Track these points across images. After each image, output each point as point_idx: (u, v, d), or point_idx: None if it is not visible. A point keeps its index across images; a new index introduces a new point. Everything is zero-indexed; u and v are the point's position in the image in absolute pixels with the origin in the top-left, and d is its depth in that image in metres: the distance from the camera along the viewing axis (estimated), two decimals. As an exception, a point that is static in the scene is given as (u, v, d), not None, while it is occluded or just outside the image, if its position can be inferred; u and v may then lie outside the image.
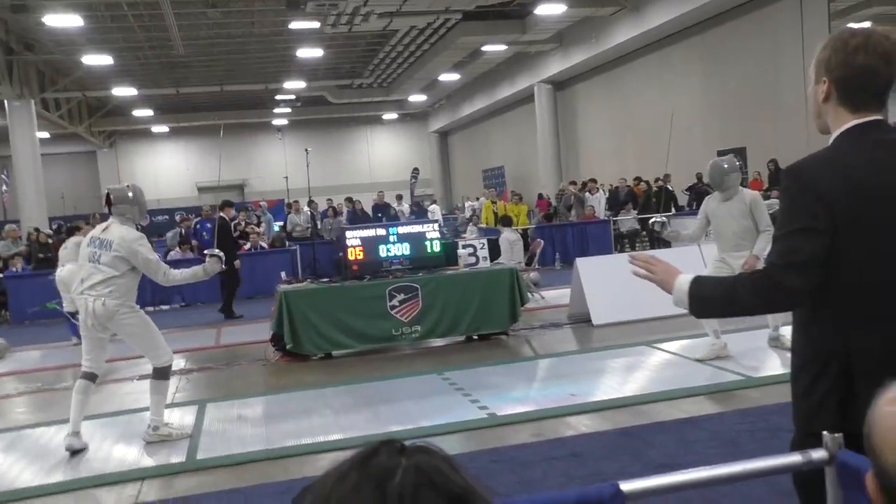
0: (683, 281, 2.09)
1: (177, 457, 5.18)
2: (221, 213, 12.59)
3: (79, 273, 5.51)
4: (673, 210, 17.28)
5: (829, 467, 1.60)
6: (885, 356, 1.80)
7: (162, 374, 5.54)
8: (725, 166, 6.38)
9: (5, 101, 21.83)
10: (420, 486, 0.77)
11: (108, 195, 5.53)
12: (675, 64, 22.55)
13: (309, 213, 16.31)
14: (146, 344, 5.51)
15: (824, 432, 1.66)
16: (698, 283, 2.06)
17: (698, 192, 18.40)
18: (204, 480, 4.74)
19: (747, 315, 2.10)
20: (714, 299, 2.06)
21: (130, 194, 5.48)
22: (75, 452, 5.27)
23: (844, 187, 1.85)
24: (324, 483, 0.82)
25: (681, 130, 22.34)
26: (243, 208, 18.33)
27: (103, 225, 5.51)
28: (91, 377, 5.39)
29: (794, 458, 1.64)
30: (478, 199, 28.36)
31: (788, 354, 6.05)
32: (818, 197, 1.85)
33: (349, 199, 18.67)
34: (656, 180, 18.39)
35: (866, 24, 15.76)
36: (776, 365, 6.19)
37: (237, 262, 12.16)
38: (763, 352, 6.46)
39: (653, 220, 7.01)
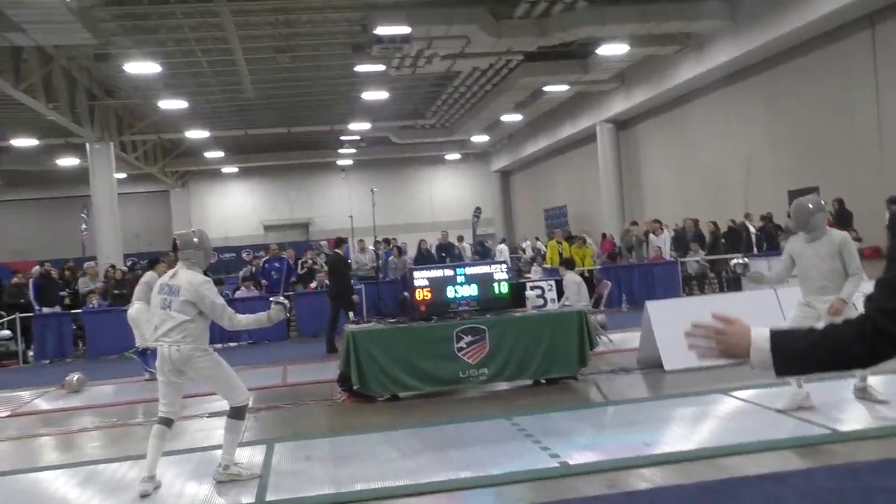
0: (761, 337, 1.85)
1: (247, 497, 5.19)
2: (337, 250, 12.93)
3: (153, 320, 5.63)
4: (743, 251, 16.84)
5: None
6: None
7: (238, 413, 5.60)
8: (811, 206, 6.15)
9: (87, 144, 22.81)
10: None
11: (174, 241, 5.67)
12: (740, 103, 22.21)
13: (374, 252, 16.44)
14: (222, 384, 5.58)
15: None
16: (780, 336, 1.85)
17: (768, 234, 17.95)
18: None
19: (845, 369, 1.89)
20: (804, 352, 1.84)
21: (196, 239, 5.60)
22: (147, 496, 5.33)
23: None
24: None
25: (747, 171, 21.91)
26: (308, 247, 18.59)
27: (171, 271, 5.65)
28: (168, 422, 5.47)
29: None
30: (537, 238, 28.26)
31: (877, 406, 5.77)
32: None
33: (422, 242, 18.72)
34: (731, 222, 17.99)
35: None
36: (864, 418, 5.90)
37: (355, 297, 12.75)
38: (849, 404, 6.17)
39: (734, 261, 6.81)
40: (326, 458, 6.10)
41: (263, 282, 15.87)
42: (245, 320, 5.60)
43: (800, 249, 6.22)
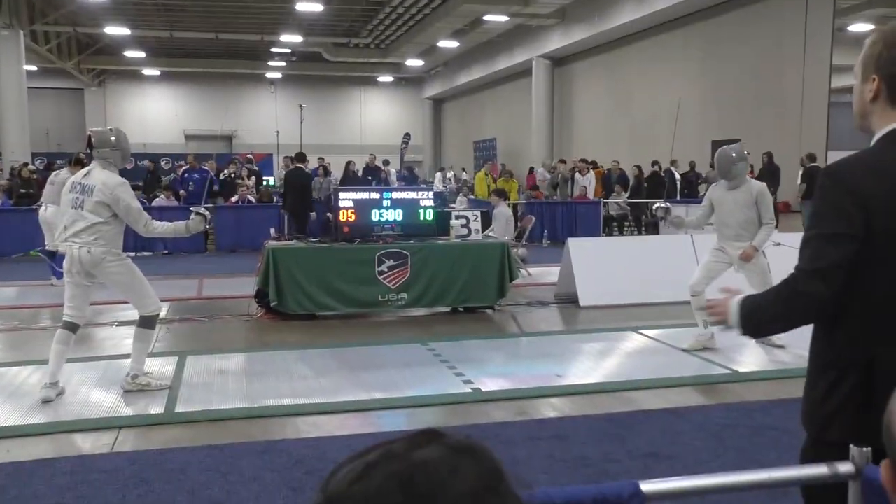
0: (735, 305, 1.96)
1: (155, 407, 5.11)
2: (299, 164, 12.69)
3: (62, 219, 5.35)
4: (665, 197, 17.25)
5: (853, 482, 1.56)
6: None
7: (148, 322, 5.44)
8: (734, 155, 6.32)
9: (-7, 30, 21.29)
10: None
11: (89, 138, 5.34)
12: (675, 50, 22.42)
13: (286, 170, 16.09)
14: (133, 292, 5.40)
15: (852, 446, 1.61)
16: (745, 303, 1.95)
17: (689, 181, 18.42)
18: (182, 434, 4.68)
19: (782, 328, 1.96)
20: (759, 314, 1.94)
21: (113, 138, 5.29)
22: (49, 401, 5.17)
23: (887, 193, 1.78)
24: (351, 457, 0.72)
25: (674, 118, 22.29)
26: (231, 160, 18.06)
27: (85, 170, 5.34)
28: (73, 327, 5.26)
29: (821, 469, 1.59)
30: (463, 169, 28.23)
31: (776, 351, 6.04)
32: (857, 201, 1.77)
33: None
34: (653, 164, 18.36)
35: (869, 26, 15.83)
36: (763, 362, 6.21)
37: (313, 215, 13.00)
38: (750, 347, 6.47)
39: (656, 205, 6.94)
40: (239, 372, 6.05)
41: (181, 192, 15.39)
42: (161, 227, 5.40)
43: (720, 197, 6.40)
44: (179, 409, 5.09)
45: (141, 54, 32.00)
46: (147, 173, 18.19)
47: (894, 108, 1.84)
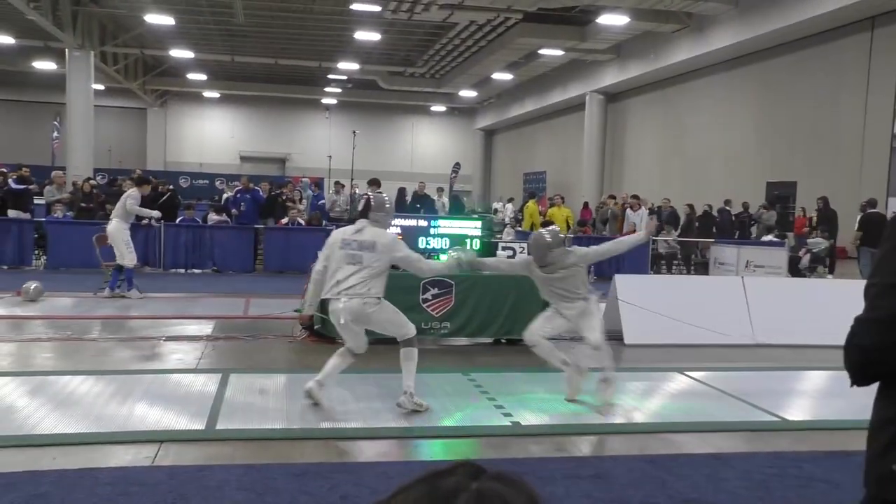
0: None
1: (197, 423, 5.16)
2: (378, 189, 13.09)
3: (336, 274, 5.57)
4: (716, 237, 16.99)
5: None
6: None
7: (410, 342, 5.79)
8: (549, 239, 5.93)
9: (66, 50, 22.15)
10: None
11: (367, 200, 5.80)
12: (731, 90, 22.20)
13: (349, 194, 16.31)
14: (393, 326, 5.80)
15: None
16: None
17: (742, 222, 18.12)
18: (221, 451, 4.72)
19: (853, 380, 1.82)
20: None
21: (388, 206, 5.83)
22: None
23: None
24: (394, 491, 0.82)
25: (730, 158, 22.01)
26: (284, 183, 18.36)
27: (355, 227, 5.69)
28: (352, 353, 5.78)
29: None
30: (510, 199, 28.25)
31: (833, 401, 5.81)
32: None
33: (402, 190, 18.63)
34: (704, 206, 18.12)
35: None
36: (815, 411, 6.01)
37: None
38: (801, 395, 6.28)
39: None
40: (280, 393, 6.09)
41: (234, 211, 15.69)
42: (437, 266, 6.10)
43: (540, 277, 6.08)
44: (220, 426, 5.14)
45: (202, 77, 32.96)
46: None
47: None
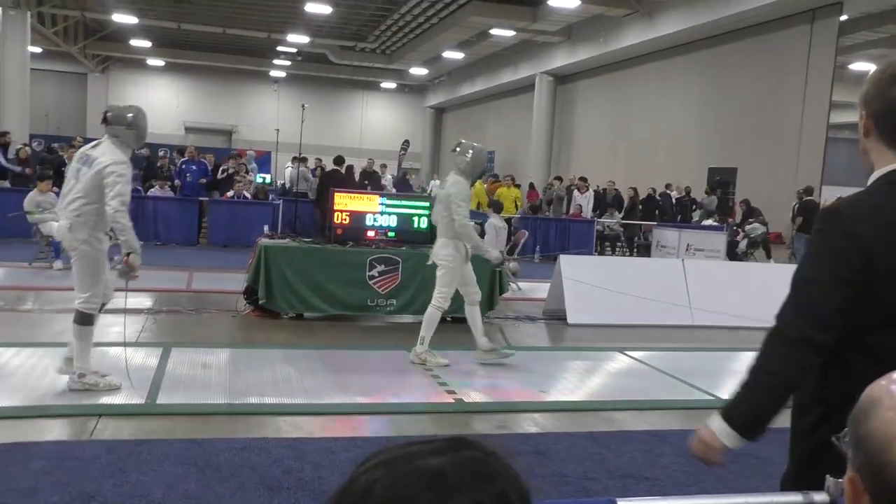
0: (717, 425, 1.87)
1: (137, 398, 5.08)
2: (336, 167, 12.95)
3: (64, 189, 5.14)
4: (660, 220, 17.32)
5: (827, 512, 1.58)
6: None
7: (83, 319, 5.08)
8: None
9: (0, 10, 21.24)
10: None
11: (105, 113, 5.17)
12: (679, 75, 22.54)
13: (297, 169, 16.11)
14: (83, 280, 5.09)
15: (827, 476, 1.62)
16: (728, 411, 1.87)
17: (684, 206, 18.51)
18: (162, 426, 4.66)
19: (785, 391, 1.84)
20: (753, 411, 1.85)
21: (130, 115, 5.12)
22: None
23: (886, 237, 1.76)
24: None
25: (675, 143, 22.42)
26: (231, 155, 18.03)
27: (95, 142, 5.21)
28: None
29: (795, 497, 1.61)
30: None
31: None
32: (856, 245, 1.75)
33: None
34: (648, 190, 18.45)
35: (870, 65, 16.01)
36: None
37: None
38: (735, 375, 6.49)
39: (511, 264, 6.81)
40: (223, 367, 6.04)
41: (177, 182, 15.37)
42: (126, 224, 4.91)
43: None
44: (161, 400, 5.07)
45: (147, 43, 31.98)
46: (144, 161, 18.14)
47: (885, 144, 1.83)
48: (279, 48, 31.45)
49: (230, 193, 15.12)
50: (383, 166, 20.83)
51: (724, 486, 4.06)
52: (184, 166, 15.64)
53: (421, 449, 0.75)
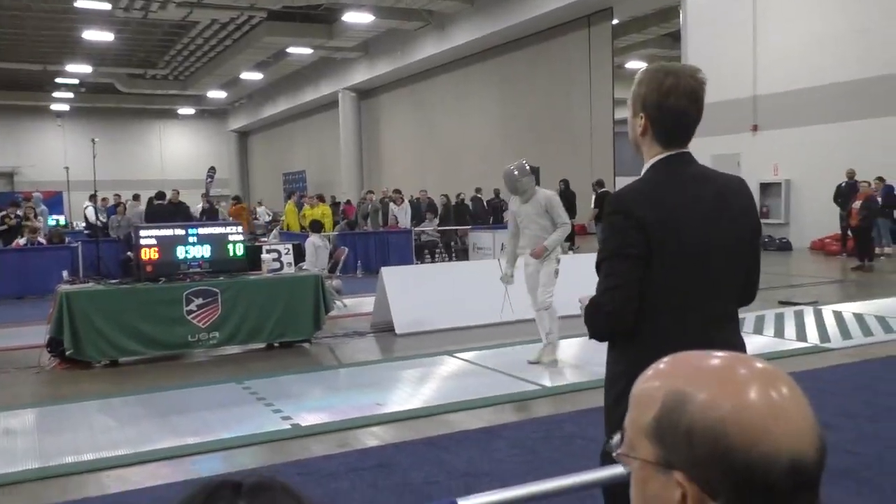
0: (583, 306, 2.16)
1: (-73, 480, 4.53)
2: (160, 201, 11.69)
3: None
4: (470, 223, 17.90)
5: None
6: None
7: None
8: (516, 172, 6.71)
9: None
10: None
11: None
12: (476, 84, 23.50)
13: (92, 207, 15.06)
14: None
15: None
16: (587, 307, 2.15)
17: (495, 207, 19.27)
18: (-38, 505, 4.19)
19: (593, 336, 2.13)
20: (586, 317, 2.14)
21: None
22: None
23: (659, 217, 1.99)
24: None
25: (481, 148, 23.31)
26: (13, 201, 16.53)
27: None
28: None
29: (616, 470, 1.72)
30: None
31: (580, 364, 6.38)
32: (636, 224, 1.98)
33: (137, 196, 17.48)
34: (458, 195, 19.05)
35: (642, 63, 17.53)
36: (574, 375, 6.58)
37: None
38: (559, 363, 6.85)
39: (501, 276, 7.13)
40: (30, 430, 5.53)
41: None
42: None
43: (517, 208, 6.78)
44: (-42, 476, 4.55)
45: None
46: None
47: (658, 142, 2.10)
48: (59, 80, 29.33)
49: (23, 241, 13.86)
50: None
51: (560, 470, 4.28)
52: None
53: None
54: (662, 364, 0.84)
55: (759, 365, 0.80)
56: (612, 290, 2.01)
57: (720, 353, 0.82)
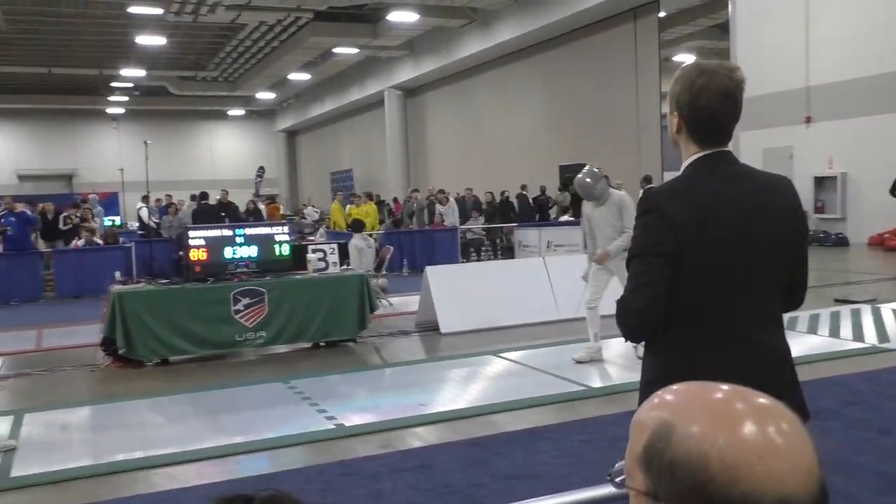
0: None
1: (-12, 474, 4.68)
2: (204, 202, 12.17)
3: None
4: (516, 221, 17.81)
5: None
6: (724, 379, 1.88)
7: None
8: (589, 181, 6.68)
9: None
10: None
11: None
12: (521, 80, 23.36)
13: (146, 208, 15.40)
14: None
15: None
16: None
17: (541, 205, 19.15)
18: (19, 500, 4.32)
19: (624, 335, 2.11)
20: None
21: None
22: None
23: (692, 217, 1.95)
24: None
25: (525, 145, 23.18)
26: (74, 203, 16.99)
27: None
28: None
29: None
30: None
31: (626, 364, 6.29)
32: (668, 224, 1.94)
33: (195, 196, 17.83)
34: (502, 193, 18.98)
35: (691, 56, 17.22)
36: (619, 376, 6.49)
37: None
38: (602, 363, 6.77)
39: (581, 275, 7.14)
40: (85, 427, 5.68)
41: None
42: None
43: (590, 212, 6.82)
44: (16, 472, 4.70)
45: (-37, 90, 29.78)
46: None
47: (693, 141, 2.07)
48: (114, 84, 30.09)
49: (80, 242, 14.23)
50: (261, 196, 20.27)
51: (604, 473, 4.21)
52: (2, 220, 14.44)
53: None
54: (666, 392, 0.82)
55: (761, 401, 0.77)
56: (639, 289, 1.98)
57: (726, 387, 0.80)
